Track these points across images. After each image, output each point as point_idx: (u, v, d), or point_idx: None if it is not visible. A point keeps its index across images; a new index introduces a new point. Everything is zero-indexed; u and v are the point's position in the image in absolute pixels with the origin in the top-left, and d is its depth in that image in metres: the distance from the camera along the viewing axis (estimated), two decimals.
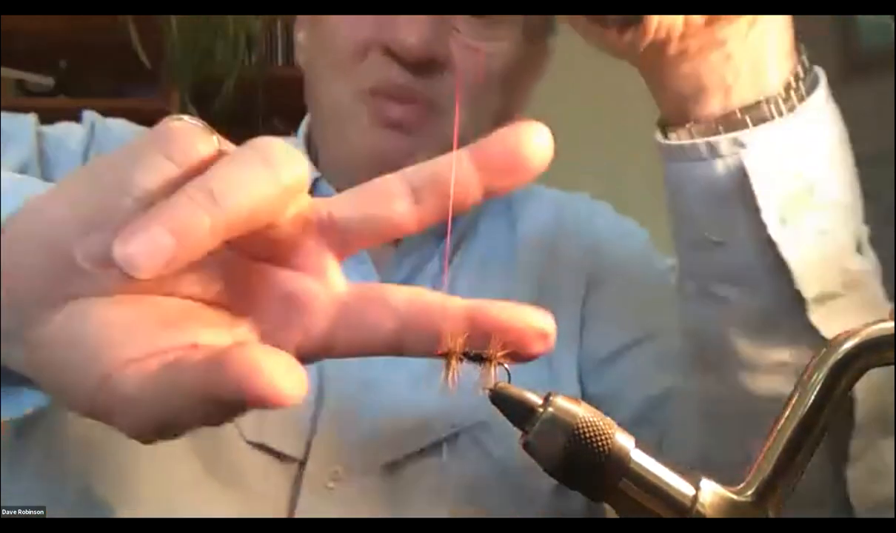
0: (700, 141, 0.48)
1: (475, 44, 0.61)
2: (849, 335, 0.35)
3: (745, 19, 0.47)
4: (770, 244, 0.48)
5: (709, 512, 0.32)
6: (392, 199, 0.31)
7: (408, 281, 0.65)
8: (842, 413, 0.49)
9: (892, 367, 0.35)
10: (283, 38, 2.45)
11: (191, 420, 0.28)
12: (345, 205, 0.31)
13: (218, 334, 0.30)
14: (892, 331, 0.34)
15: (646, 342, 0.65)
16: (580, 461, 0.32)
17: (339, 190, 0.37)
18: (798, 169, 0.48)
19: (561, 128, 0.67)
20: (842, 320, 0.43)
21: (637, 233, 0.75)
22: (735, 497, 0.33)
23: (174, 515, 0.55)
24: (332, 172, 0.66)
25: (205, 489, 0.56)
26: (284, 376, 0.25)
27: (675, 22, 0.46)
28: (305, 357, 0.31)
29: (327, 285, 0.32)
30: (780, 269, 0.48)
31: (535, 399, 0.32)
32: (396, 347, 0.32)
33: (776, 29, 0.49)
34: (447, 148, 0.31)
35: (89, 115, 0.66)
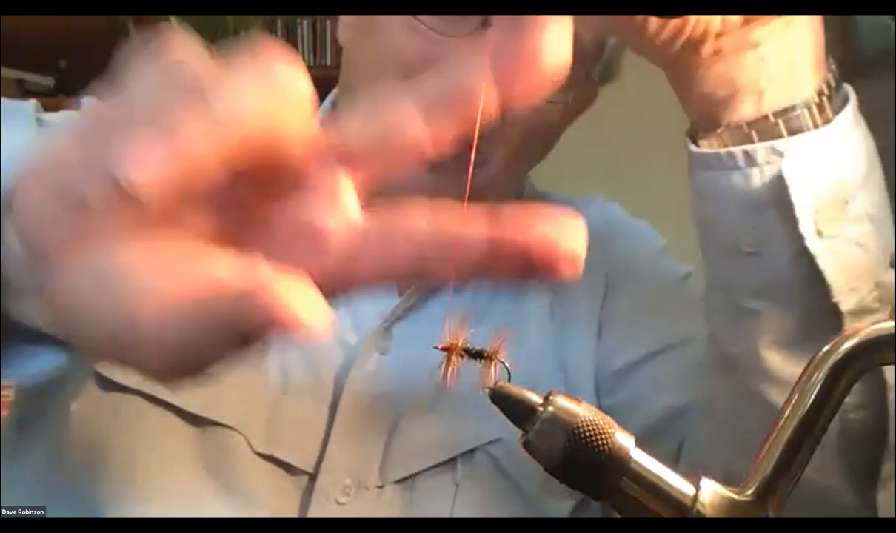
0: (736, 149, 0.48)
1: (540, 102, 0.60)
2: (849, 335, 0.35)
3: (780, 21, 0.47)
4: (806, 256, 0.47)
5: (709, 511, 0.32)
6: (404, 121, 0.29)
7: (431, 296, 0.64)
8: (873, 437, 0.49)
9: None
10: (283, 38, 2.45)
11: (216, 355, 0.28)
12: (355, 129, 0.30)
13: (235, 271, 0.29)
14: (892, 331, 0.34)
15: (665, 353, 0.64)
16: (580, 461, 0.32)
17: None
18: (833, 181, 0.47)
19: (569, 132, 0.67)
20: None
21: (651, 235, 0.74)
22: (735, 497, 0.33)
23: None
24: None
25: (210, 502, 0.55)
26: (308, 308, 0.26)
27: (713, 19, 0.45)
28: (327, 288, 0.30)
29: (342, 213, 0.30)
30: (814, 281, 0.47)
31: (535, 398, 0.32)
32: (417, 272, 0.30)
33: (809, 34, 0.48)
34: (471, 191, 0.31)
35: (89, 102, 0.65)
